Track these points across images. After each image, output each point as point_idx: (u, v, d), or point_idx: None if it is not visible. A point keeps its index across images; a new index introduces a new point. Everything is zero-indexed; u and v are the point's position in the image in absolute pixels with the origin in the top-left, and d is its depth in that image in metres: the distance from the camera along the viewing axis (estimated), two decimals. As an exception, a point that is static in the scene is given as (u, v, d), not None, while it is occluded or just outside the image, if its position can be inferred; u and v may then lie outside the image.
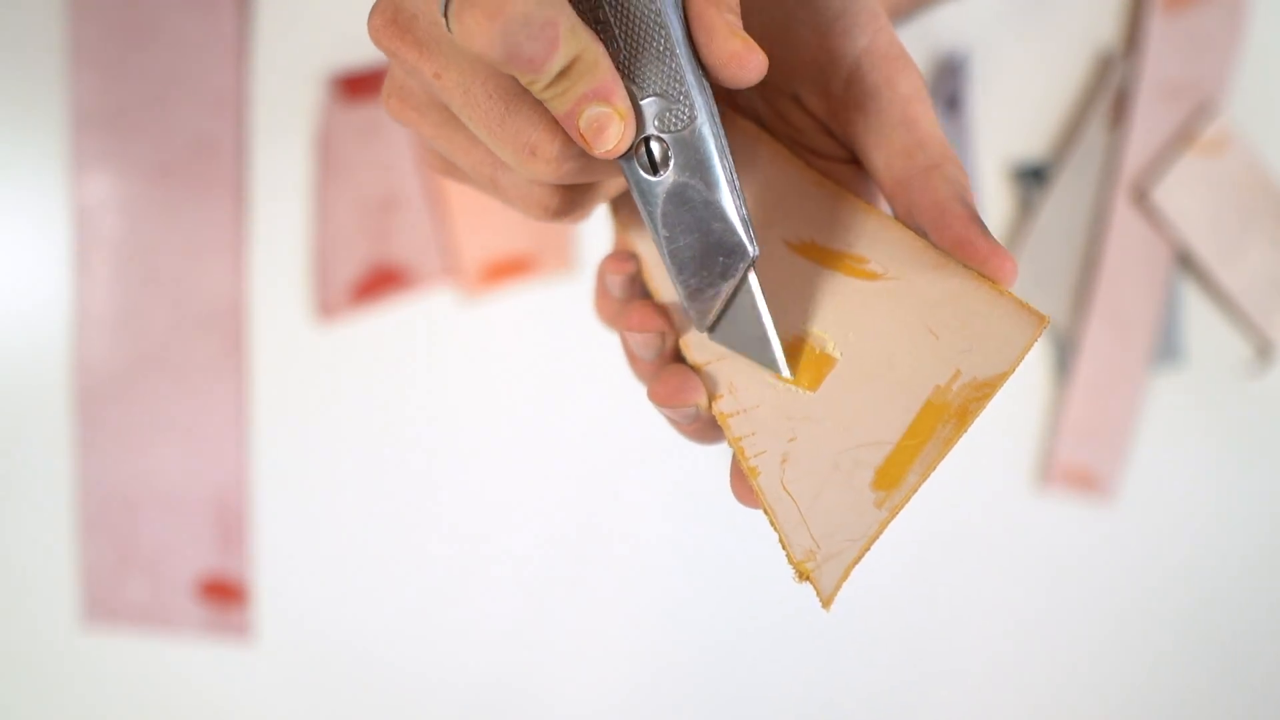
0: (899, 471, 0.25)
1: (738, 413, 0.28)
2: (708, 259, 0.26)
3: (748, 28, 0.25)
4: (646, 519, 0.65)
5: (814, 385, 0.27)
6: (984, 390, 0.25)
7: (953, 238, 0.26)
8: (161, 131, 0.58)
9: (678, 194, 0.25)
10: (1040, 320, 0.25)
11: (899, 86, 0.28)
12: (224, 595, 0.61)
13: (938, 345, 0.26)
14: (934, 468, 0.25)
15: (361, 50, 0.59)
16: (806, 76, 0.29)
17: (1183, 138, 0.66)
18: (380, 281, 0.60)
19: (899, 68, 0.28)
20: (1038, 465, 0.68)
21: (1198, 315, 0.69)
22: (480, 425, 0.62)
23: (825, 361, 0.27)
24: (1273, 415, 0.70)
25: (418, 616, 0.63)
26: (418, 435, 0.62)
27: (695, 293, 0.27)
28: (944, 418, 0.25)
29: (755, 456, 0.27)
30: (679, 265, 0.27)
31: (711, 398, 0.28)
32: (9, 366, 0.59)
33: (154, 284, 0.59)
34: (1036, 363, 0.68)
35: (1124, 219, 0.66)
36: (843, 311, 0.28)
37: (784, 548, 0.26)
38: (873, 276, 0.28)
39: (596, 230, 0.62)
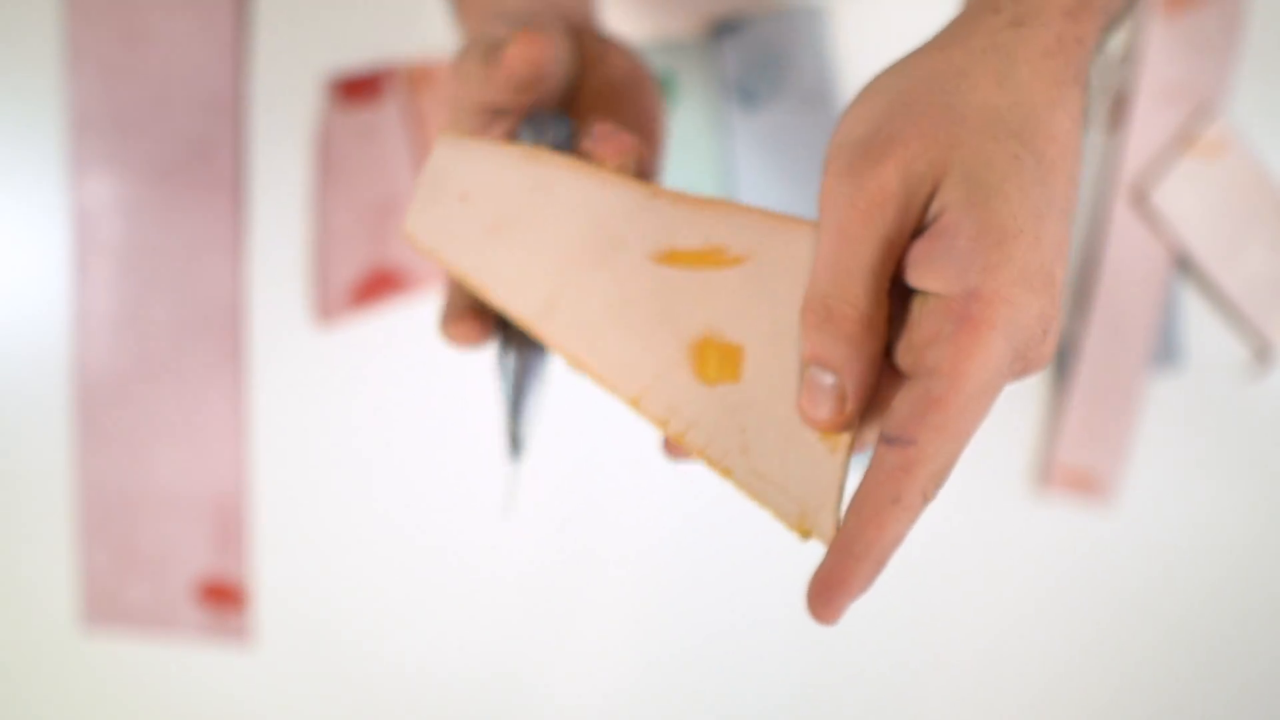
0: None
1: (687, 429, 0.30)
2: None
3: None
4: (644, 517, 0.65)
5: (736, 376, 0.29)
6: None
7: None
8: (161, 135, 0.58)
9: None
10: None
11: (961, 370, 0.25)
12: (223, 598, 0.61)
13: None
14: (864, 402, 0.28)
15: (359, 53, 0.59)
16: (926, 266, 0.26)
17: (1182, 140, 0.66)
18: (379, 284, 0.60)
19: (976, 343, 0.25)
20: (1037, 468, 0.68)
21: (1197, 317, 0.69)
22: (479, 427, 0.62)
23: (733, 351, 0.30)
24: (1272, 417, 0.70)
25: (416, 618, 0.63)
26: (417, 437, 0.62)
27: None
28: None
29: (720, 459, 0.29)
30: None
31: (659, 427, 0.30)
32: (9, 369, 0.59)
33: (153, 287, 0.59)
34: (1036, 365, 0.68)
35: (1123, 221, 0.66)
36: (726, 301, 0.30)
37: (779, 520, 0.28)
38: (738, 260, 0.30)
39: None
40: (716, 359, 0.30)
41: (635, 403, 0.31)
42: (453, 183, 0.35)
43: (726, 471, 0.29)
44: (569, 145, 0.36)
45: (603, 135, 0.33)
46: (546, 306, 0.33)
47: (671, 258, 0.31)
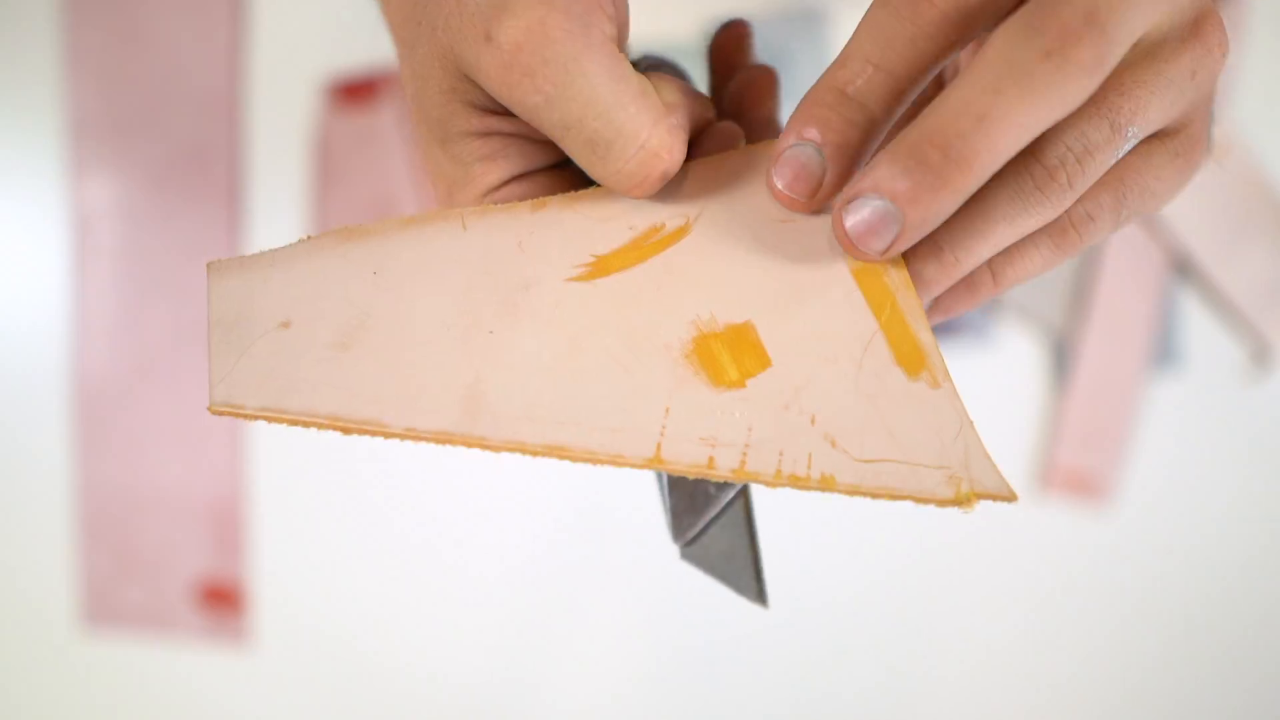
0: (910, 344, 0.23)
1: (744, 456, 0.23)
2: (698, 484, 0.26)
3: None
4: (642, 518, 0.65)
5: (765, 361, 0.23)
6: None
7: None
8: (159, 139, 0.58)
9: None
10: None
11: None
12: (222, 600, 0.61)
13: (799, 228, 0.24)
14: (923, 310, 0.23)
15: (357, 57, 0.59)
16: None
17: (1182, 141, 0.66)
18: (377, 287, 0.60)
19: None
20: (1037, 470, 0.68)
21: (1196, 319, 0.68)
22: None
23: (745, 332, 0.24)
24: (1272, 419, 0.70)
25: (415, 620, 0.63)
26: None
27: (677, 514, 0.27)
28: (879, 271, 0.24)
29: (809, 469, 0.22)
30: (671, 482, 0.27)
31: (706, 471, 0.23)
32: (9, 371, 0.59)
33: (152, 289, 0.59)
34: (1035, 367, 0.68)
35: (1123, 223, 0.66)
36: (699, 282, 0.24)
37: (926, 501, 0.22)
38: (683, 231, 0.25)
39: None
40: (729, 352, 0.24)
41: (657, 460, 0.23)
42: (259, 317, 0.25)
43: (826, 482, 0.22)
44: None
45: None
46: (469, 405, 0.24)
47: (600, 267, 0.24)
